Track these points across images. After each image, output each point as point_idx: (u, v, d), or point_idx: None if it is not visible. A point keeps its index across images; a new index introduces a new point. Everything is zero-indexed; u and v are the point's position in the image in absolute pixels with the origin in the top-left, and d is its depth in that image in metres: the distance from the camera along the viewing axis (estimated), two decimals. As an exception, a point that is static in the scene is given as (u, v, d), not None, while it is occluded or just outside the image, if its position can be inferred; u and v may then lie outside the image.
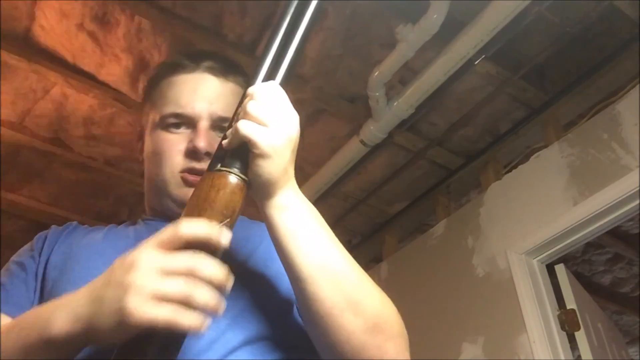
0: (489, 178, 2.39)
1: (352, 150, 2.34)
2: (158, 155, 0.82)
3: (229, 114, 0.79)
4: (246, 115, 0.63)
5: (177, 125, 0.82)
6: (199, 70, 0.84)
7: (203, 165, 0.77)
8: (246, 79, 0.86)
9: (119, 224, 0.89)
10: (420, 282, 2.51)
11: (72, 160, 2.53)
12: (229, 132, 0.65)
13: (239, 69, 0.88)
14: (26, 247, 0.83)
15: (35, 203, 2.74)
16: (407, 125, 2.29)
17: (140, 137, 0.89)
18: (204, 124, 0.80)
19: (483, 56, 1.99)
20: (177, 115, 0.82)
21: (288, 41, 0.70)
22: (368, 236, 2.98)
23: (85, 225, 0.88)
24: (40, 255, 0.79)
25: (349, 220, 2.92)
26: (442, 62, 1.96)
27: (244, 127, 0.62)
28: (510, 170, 2.34)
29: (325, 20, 1.98)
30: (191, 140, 0.80)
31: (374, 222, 2.94)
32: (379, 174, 2.66)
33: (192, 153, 0.79)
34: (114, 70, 2.16)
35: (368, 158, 2.42)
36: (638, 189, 1.80)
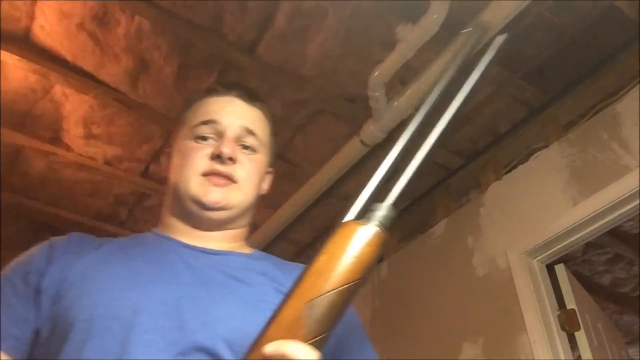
0: (489, 178, 2.38)
1: (352, 150, 2.34)
2: (184, 161, 0.88)
3: (255, 129, 0.90)
4: None
5: (205, 138, 0.88)
6: (230, 95, 0.93)
7: (226, 168, 0.85)
8: (269, 110, 0.97)
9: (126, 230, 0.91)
10: (420, 282, 2.51)
11: (72, 160, 2.53)
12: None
13: (263, 101, 0.97)
14: (21, 262, 0.80)
15: (35, 203, 2.74)
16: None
17: (169, 156, 0.95)
18: (230, 134, 0.88)
19: (483, 56, 1.99)
20: (206, 122, 0.88)
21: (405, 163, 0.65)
22: (368, 236, 2.98)
23: (86, 235, 0.86)
24: (41, 274, 0.76)
25: (349, 220, 2.92)
26: (442, 62, 1.96)
27: None
28: (510, 170, 2.33)
29: (325, 20, 1.98)
30: (217, 147, 0.86)
31: (374, 222, 2.93)
32: (379, 174, 2.66)
33: (217, 157, 0.85)
34: (114, 70, 2.16)
35: (368, 158, 2.42)
36: (638, 189, 1.80)
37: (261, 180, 0.92)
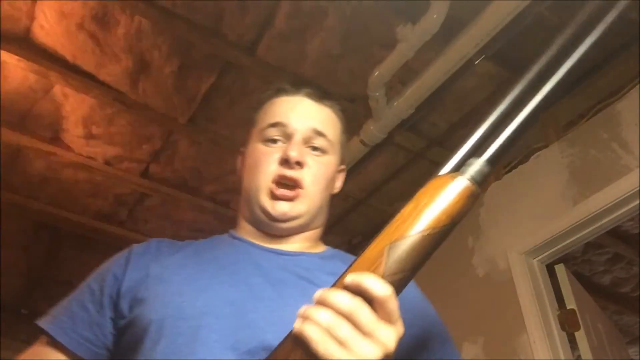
0: (489, 178, 2.39)
1: (352, 150, 2.34)
2: (254, 165, 0.89)
3: (324, 129, 0.90)
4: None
5: (275, 141, 0.89)
6: (299, 94, 0.93)
7: (294, 173, 0.85)
8: (340, 107, 0.97)
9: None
10: (420, 282, 2.51)
11: (72, 160, 2.53)
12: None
13: (334, 98, 0.97)
14: (102, 269, 0.84)
15: (35, 203, 2.74)
16: (407, 125, 2.29)
17: (241, 156, 0.96)
18: (298, 137, 0.88)
19: (483, 56, 1.99)
20: (274, 125, 0.88)
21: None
22: (368, 236, 2.98)
23: (166, 240, 0.89)
24: (119, 281, 0.80)
25: (349, 220, 2.93)
26: (442, 62, 1.96)
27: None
28: (510, 170, 2.34)
29: (325, 20, 1.98)
30: (285, 151, 0.86)
31: (374, 222, 2.94)
32: (379, 174, 2.66)
33: (285, 161, 0.86)
34: (114, 70, 2.16)
35: (368, 158, 2.42)
36: (638, 189, 1.80)
37: (332, 180, 0.92)
